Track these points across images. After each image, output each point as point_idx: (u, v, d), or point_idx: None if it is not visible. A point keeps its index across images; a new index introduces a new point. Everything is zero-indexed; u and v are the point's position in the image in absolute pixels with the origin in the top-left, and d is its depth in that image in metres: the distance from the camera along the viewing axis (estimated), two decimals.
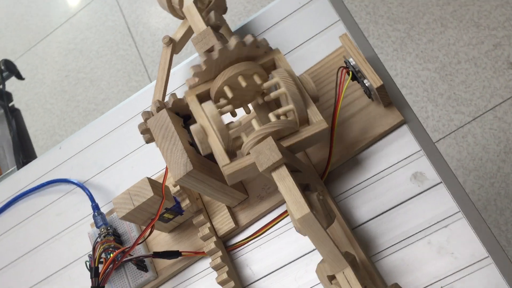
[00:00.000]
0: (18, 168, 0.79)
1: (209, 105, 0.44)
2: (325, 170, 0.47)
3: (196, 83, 0.46)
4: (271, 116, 0.43)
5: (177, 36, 0.55)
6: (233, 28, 0.58)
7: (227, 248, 0.51)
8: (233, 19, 1.50)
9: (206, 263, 0.51)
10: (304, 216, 0.37)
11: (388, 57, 1.34)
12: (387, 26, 1.37)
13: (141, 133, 0.48)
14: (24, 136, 0.87)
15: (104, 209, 0.58)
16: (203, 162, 0.45)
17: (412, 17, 1.34)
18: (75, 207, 0.60)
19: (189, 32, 0.55)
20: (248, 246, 0.50)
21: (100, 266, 0.48)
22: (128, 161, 0.60)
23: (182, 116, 0.48)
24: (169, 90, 0.60)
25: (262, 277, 0.48)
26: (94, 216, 0.56)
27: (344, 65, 0.47)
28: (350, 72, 0.46)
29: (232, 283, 0.46)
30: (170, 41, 0.55)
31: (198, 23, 0.47)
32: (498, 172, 1.17)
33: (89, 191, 0.59)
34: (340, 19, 0.54)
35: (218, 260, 0.47)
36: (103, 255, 0.49)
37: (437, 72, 1.27)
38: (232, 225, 0.50)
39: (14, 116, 0.88)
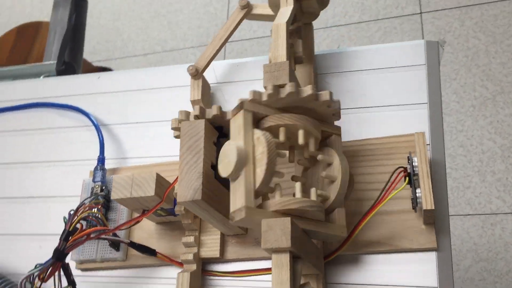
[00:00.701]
0: (58, 66, 0.76)
1: (266, 134, 0.39)
2: (332, 253, 0.43)
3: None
4: (312, 192, 0.38)
5: (257, 10, 0.52)
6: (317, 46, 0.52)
7: (203, 271, 0.48)
8: (322, 43, 1.41)
9: (176, 271, 0.48)
10: None
11: (462, 110, 1.25)
12: (477, 79, 1.27)
13: (172, 128, 0.44)
14: (79, 35, 0.83)
15: (108, 164, 0.55)
16: (215, 190, 0.41)
17: (507, 82, 1.24)
18: (83, 145, 0.58)
19: (269, 17, 0.51)
20: (223, 281, 0.47)
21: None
22: (157, 129, 0.56)
23: (217, 130, 0.44)
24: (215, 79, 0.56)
25: None
26: (95, 169, 0.53)
27: (405, 164, 0.42)
28: (407, 178, 0.41)
29: None
30: (246, 6, 0.52)
31: (279, 48, 0.42)
32: (507, 274, 1.11)
33: (102, 138, 0.56)
34: (428, 103, 0.48)
35: (187, 274, 0.45)
36: (82, 221, 0.47)
37: (501, 149, 1.19)
38: (216, 253, 0.47)
39: (79, 7, 0.84)
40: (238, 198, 0.37)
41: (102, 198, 0.51)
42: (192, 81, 0.52)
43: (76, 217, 0.46)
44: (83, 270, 0.52)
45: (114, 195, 0.44)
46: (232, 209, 0.37)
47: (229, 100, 0.55)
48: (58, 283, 0.46)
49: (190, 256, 0.46)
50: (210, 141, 0.42)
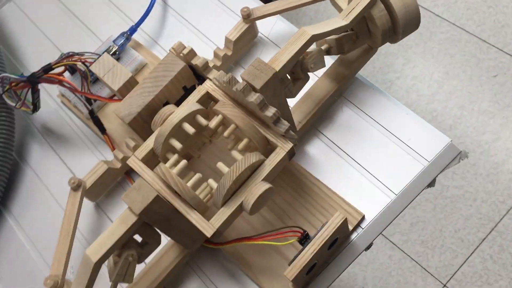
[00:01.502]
0: None
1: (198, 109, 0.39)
2: (211, 242, 0.45)
3: None
4: (235, 154, 0.39)
5: None
6: None
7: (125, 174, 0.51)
8: None
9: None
10: (88, 259, 0.36)
11: None
12: None
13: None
14: None
15: (137, 36, 0.58)
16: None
17: None
18: (136, 4, 0.60)
19: None
20: None
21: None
22: (194, 37, 0.57)
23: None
24: None
25: None
26: (123, 33, 0.56)
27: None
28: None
29: None
30: None
31: (284, 54, 0.40)
32: None
33: (149, 10, 0.57)
34: (397, 195, 0.44)
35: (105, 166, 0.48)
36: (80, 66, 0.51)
37: None
38: None
39: None
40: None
41: None
42: (240, 21, 0.51)
43: (66, 60, 0.51)
44: (61, 102, 0.57)
45: (92, 67, 0.47)
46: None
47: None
48: (22, 100, 0.51)
49: (121, 155, 0.49)
50: (180, 84, 0.43)
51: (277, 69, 0.39)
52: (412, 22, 0.46)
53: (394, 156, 0.46)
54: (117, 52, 0.55)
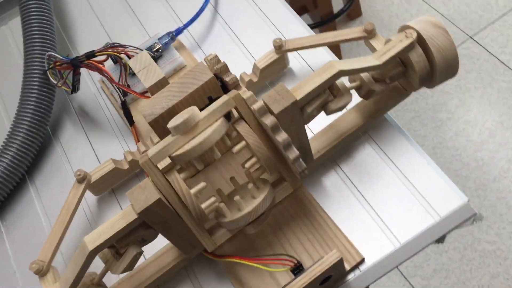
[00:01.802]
0: None
1: (224, 125, 0.40)
2: (210, 253, 0.45)
3: None
4: (209, 201, 0.40)
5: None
6: None
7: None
8: None
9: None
10: (84, 246, 0.38)
11: None
12: None
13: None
14: None
15: (183, 38, 0.60)
16: None
17: None
18: (191, 4, 0.62)
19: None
20: None
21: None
22: (236, 48, 0.58)
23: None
24: None
25: None
26: (169, 32, 0.58)
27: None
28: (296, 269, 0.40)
29: None
30: None
31: (306, 86, 0.40)
32: None
33: (199, 13, 0.59)
34: (402, 243, 0.44)
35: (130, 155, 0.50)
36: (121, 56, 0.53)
37: None
38: None
39: None
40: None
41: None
42: (271, 50, 0.52)
43: (109, 50, 0.53)
44: (101, 87, 0.59)
45: (130, 62, 0.49)
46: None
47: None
48: (64, 79, 0.54)
49: (142, 148, 0.50)
50: (206, 94, 0.44)
51: (298, 98, 0.39)
52: (451, 70, 0.45)
53: (406, 204, 0.45)
54: (160, 50, 0.57)
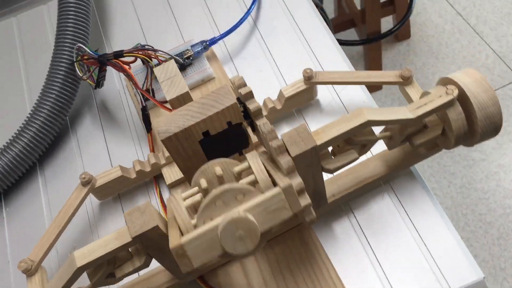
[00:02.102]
0: None
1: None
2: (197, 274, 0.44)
3: None
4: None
5: None
6: None
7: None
8: None
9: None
10: (73, 261, 0.36)
11: None
12: None
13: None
14: None
15: (216, 49, 0.58)
16: (187, 148, 0.42)
17: None
18: (232, 13, 0.60)
19: None
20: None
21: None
22: (265, 70, 0.56)
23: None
24: None
25: None
26: (203, 41, 0.56)
27: None
28: None
29: None
30: None
31: (330, 131, 0.38)
32: None
33: (236, 27, 0.57)
34: None
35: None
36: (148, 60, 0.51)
37: None
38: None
39: None
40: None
41: (176, 63, 0.54)
42: (300, 79, 0.50)
43: (138, 52, 0.51)
44: (126, 86, 0.58)
45: (156, 69, 0.47)
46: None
47: None
48: (90, 73, 0.53)
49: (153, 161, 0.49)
50: (225, 118, 0.42)
51: (318, 143, 0.37)
52: (492, 130, 0.42)
53: (417, 268, 0.42)
54: (190, 58, 0.55)
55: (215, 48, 0.58)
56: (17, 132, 0.54)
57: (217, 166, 0.41)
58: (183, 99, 0.45)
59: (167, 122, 0.41)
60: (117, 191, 0.51)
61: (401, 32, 1.54)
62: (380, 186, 0.47)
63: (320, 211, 0.46)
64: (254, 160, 0.38)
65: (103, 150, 0.55)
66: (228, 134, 0.43)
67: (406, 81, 0.47)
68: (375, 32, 1.33)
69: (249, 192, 0.36)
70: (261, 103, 0.53)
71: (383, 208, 0.46)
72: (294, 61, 0.55)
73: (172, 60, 0.47)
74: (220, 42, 0.58)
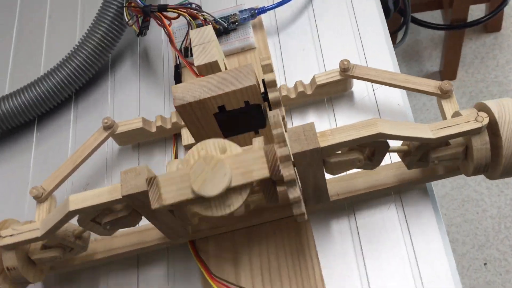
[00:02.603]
0: None
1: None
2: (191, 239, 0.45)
3: None
4: None
5: None
6: None
7: None
8: None
9: None
10: (67, 204, 0.38)
11: None
12: None
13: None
14: None
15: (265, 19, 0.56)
16: (201, 118, 0.42)
17: None
18: None
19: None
20: None
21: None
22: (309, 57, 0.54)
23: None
24: None
25: None
26: (252, 8, 0.55)
27: None
28: None
29: None
30: None
31: None
32: None
33: (281, 3, 0.55)
34: None
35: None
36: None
37: None
38: None
39: None
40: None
41: (219, 26, 0.54)
42: (337, 69, 0.48)
43: (182, 10, 0.51)
44: None
45: (192, 32, 0.46)
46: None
47: None
48: (136, 20, 0.53)
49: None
50: (243, 97, 0.41)
51: (322, 145, 0.36)
52: None
53: (403, 287, 0.41)
54: (236, 23, 0.54)
55: (264, 17, 0.56)
56: (60, 62, 0.56)
57: (215, 142, 0.40)
58: (211, 68, 0.45)
59: (185, 90, 0.41)
60: (136, 141, 0.52)
61: (491, 23, 1.43)
62: (390, 195, 0.45)
63: (319, 207, 0.45)
64: (259, 142, 0.38)
65: (134, 97, 0.56)
66: (245, 112, 0.43)
67: (444, 94, 0.44)
68: (459, 20, 1.24)
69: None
70: (292, 84, 0.52)
71: (386, 219, 0.44)
72: (340, 48, 0.53)
73: (210, 26, 0.47)
74: (271, 12, 0.57)
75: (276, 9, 0.56)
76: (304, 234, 0.45)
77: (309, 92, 0.49)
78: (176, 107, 0.41)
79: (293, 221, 0.45)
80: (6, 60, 0.63)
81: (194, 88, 0.41)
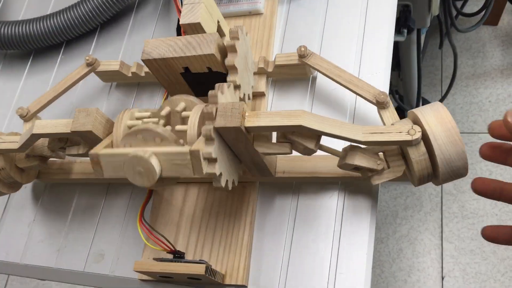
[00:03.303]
0: None
1: None
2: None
3: None
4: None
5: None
6: None
7: None
8: None
9: None
10: (32, 127, 0.44)
11: None
12: None
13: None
14: None
15: None
16: (169, 74, 0.45)
17: None
18: None
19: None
20: None
21: None
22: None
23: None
24: None
25: None
26: None
27: None
28: None
29: None
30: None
31: None
32: None
33: None
34: None
35: None
36: None
37: None
38: None
39: None
40: None
41: None
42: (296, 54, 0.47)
43: None
44: None
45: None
46: None
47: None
48: None
49: None
50: (205, 63, 0.44)
51: (244, 125, 0.38)
52: (459, 172, 0.39)
53: (316, 274, 0.43)
54: None
55: None
56: None
57: (182, 102, 0.44)
58: (195, 28, 0.47)
59: (154, 46, 0.44)
60: (115, 81, 0.57)
61: None
62: (337, 183, 0.46)
63: (265, 179, 0.47)
64: (195, 114, 0.40)
65: (142, 36, 0.60)
66: (209, 76, 0.45)
67: (379, 104, 0.44)
68: None
69: (165, 139, 0.39)
70: (273, 57, 0.53)
71: (325, 206, 0.46)
72: (342, 32, 0.52)
73: None
74: None
75: None
76: (247, 199, 0.47)
77: (269, 69, 0.50)
78: (142, 60, 0.44)
79: (241, 186, 0.48)
80: None
81: (162, 46, 0.44)
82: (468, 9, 1.12)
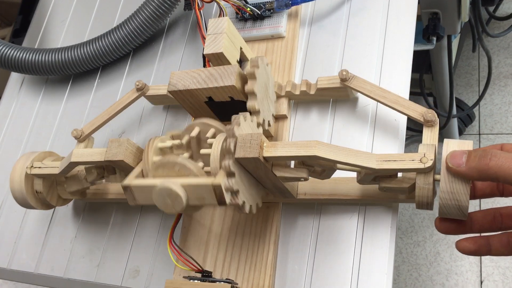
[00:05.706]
0: None
1: None
2: None
3: None
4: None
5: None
6: None
7: None
8: None
9: None
10: (70, 155, 0.48)
11: None
12: None
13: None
14: None
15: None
16: (195, 103, 0.48)
17: None
18: None
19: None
20: None
21: None
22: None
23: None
24: None
25: None
26: None
27: None
28: None
29: None
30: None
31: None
32: None
33: None
34: None
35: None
36: None
37: None
38: None
39: None
40: None
41: (255, 13, 0.57)
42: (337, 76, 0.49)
43: None
44: None
45: (210, 21, 0.51)
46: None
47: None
48: None
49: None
50: (226, 94, 0.46)
51: (261, 155, 0.40)
52: (455, 215, 0.40)
53: None
54: (270, 10, 0.57)
55: (304, 5, 0.58)
56: (122, 22, 0.64)
57: (196, 126, 0.46)
58: (218, 58, 0.50)
59: (180, 77, 0.47)
60: (165, 103, 0.60)
61: None
62: (357, 205, 0.48)
63: (288, 201, 0.49)
64: (217, 144, 0.43)
65: (176, 64, 0.63)
66: (232, 103, 0.48)
67: (426, 123, 0.45)
68: None
69: (185, 169, 0.42)
70: (308, 77, 0.54)
71: (346, 226, 0.47)
72: (363, 52, 0.54)
73: (226, 18, 0.51)
74: (309, 5, 0.58)
75: (315, 0, 0.57)
76: (270, 221, 0.50)
77: (312, 92, 0.52)
78: (168, 91, 0.47)
79: (265, 207, 0.50)
80: (89, 14, 0.73)
81: (186, 78, 0.47)
82: (502, 11, 1.10)
